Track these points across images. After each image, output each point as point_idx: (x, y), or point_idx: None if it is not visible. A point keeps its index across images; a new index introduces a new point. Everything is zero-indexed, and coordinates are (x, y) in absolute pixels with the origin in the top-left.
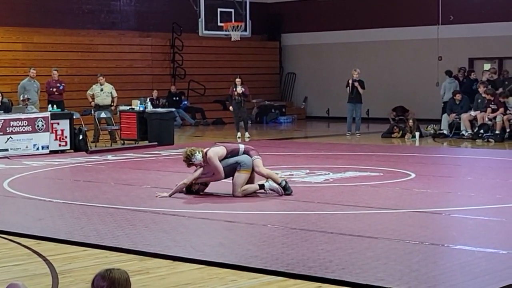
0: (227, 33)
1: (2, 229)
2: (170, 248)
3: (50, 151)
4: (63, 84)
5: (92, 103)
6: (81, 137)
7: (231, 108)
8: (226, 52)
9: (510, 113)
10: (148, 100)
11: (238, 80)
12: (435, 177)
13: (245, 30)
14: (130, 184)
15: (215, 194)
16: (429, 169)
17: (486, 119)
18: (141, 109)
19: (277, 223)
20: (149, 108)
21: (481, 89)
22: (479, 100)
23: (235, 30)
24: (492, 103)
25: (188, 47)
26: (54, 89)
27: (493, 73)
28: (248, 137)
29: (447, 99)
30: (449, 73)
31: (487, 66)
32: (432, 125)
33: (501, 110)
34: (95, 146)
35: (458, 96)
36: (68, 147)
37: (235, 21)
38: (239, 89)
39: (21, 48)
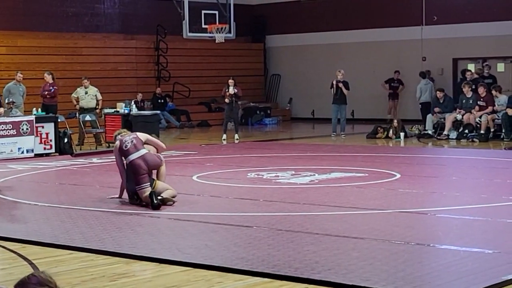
0: (211, 35)
1: None
2: (156, 250)
3: (35, 154)
4: (54, 87)
5: (77, 106)
6: (66, 140)
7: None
8: (211, 54)
9: (499, 111)
10: (133, 102)
11: (231, 81)
12: (420, 177)
13: (230, 32)
14: (116, 187)
15: (200, 196)
16: (414, 169)
17: (474, 120)
18: (126, 111)
19: (262, 225)
20: (134, 110)
21: (466, 89)
22: (464, 101)
23: (220, 32)
24: (482, 99)
25: (172, 49)
26: (46, 92)
27: (476, 73)
28: (237, 139)
29: (424, 100)
30: (423, 74)
31: (471, 66)
32: (416, 125)
33: (490, 108)
34: (80, 149)
35: (440, 94)
36: (53, 150)
37: (219, 23)
38: (231, 90)
39: (5, 52)
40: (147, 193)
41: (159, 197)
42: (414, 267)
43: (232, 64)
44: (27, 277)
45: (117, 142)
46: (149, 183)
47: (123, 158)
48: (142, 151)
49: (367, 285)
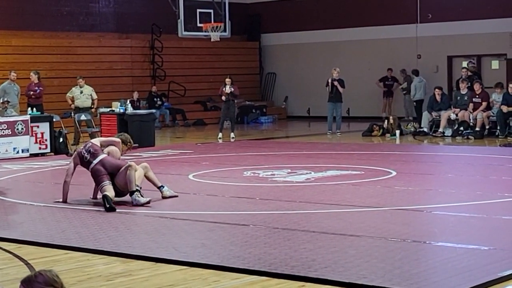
0: (206, 33)
1: None
2: (152, 249)
3: (30, 154)
4: (40, 88)
5: (72, 106)
6: (61, 140)
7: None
8: (206, 53)
9: (496, 107)
10: (128, 101)
11: (228, 80)
12: (416, 175)
13: (225, 30)
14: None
15: (196, 195)
16: (409, 166)
17: (470, 118)
18: (122, 111)
19: (259, 223)
20: (129, 109)
21: (463, 85)
22: (458, 97)
23: (215, 31)
24: (477, 96)
25: (167, 48)
26: (31, 92)
27: (470, 71)
28: (233, 138)
29: (418, 98)
30: (416, 72)
31: (465, 64)
32: (412, 123)
33: (484, 104)
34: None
35: (438, 92)
36: (48, 150)
37: (214, 21)
38: (228, 89)
39: None
40: (107, 192)
41: (168, 193)
42: (411, 264)
43: (227, 63)
44: (34, 275)
45: (75, 154)
46: (109, 182)
47: (86, 169)
48: (100, 156)
49: (363, 282)
